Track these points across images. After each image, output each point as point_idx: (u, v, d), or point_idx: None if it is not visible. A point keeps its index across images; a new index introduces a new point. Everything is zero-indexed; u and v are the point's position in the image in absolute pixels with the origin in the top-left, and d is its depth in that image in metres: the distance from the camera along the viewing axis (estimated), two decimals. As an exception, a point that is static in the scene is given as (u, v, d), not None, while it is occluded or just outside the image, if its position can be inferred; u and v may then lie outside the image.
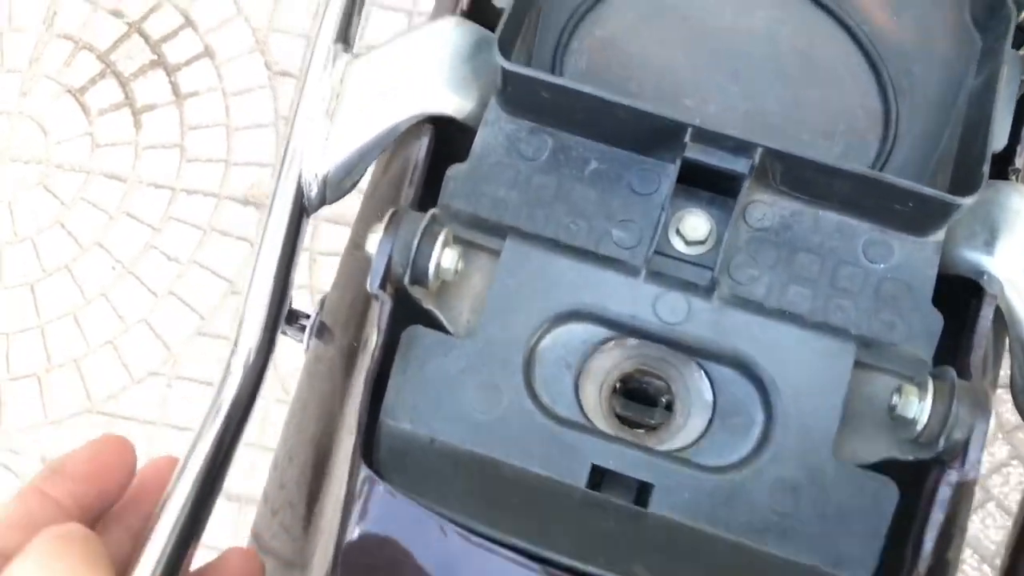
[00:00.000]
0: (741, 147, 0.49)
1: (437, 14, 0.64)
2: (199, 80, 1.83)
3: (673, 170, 0.51)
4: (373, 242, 0.47)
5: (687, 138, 0.49)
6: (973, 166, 0.49)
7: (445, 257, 0.47)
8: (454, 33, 0.56)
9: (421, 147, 0.52)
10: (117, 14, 1.88)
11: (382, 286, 0.47)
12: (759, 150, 0.49)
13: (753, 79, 0.56)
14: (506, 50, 0.51)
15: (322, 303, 0.64)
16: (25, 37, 1.87)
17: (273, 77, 1.83)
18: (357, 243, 0.63)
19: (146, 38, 1.86)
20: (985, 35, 0.55)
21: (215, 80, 1.83)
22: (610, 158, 0.53)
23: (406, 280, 0.47)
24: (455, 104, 0.55)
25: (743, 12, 0.56)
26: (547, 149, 0.53)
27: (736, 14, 0.56)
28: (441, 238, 0.47)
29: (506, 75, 0.50)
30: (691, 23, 0.57)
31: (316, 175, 0.54)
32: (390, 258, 0.47)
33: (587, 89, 0.50)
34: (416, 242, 0.47)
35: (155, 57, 1.85)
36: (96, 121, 1.82)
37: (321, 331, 0.61)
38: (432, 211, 0.49)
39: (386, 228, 0.47)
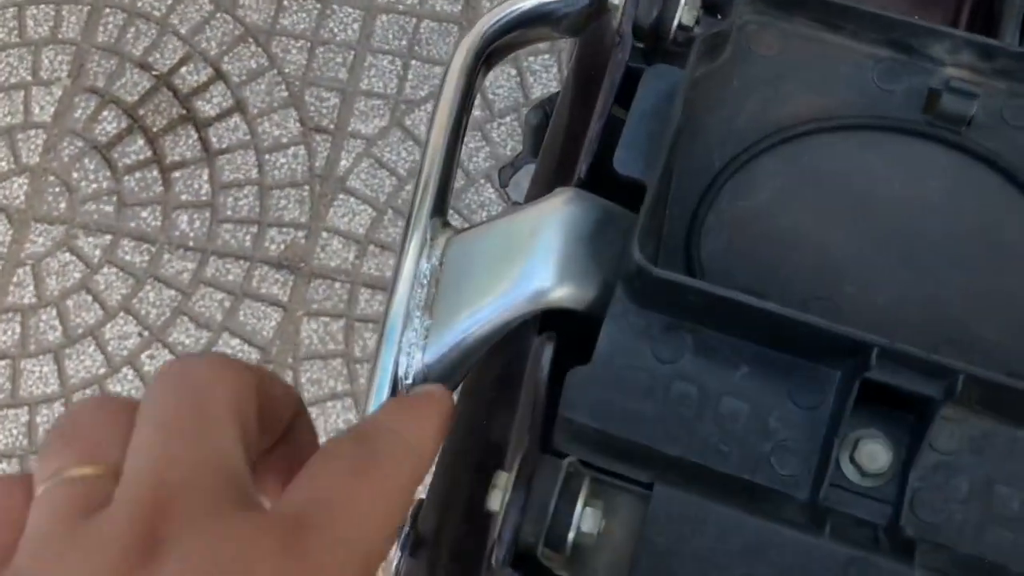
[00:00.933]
0: (938, 370, 0.41)
1: (542, 182, 0.56)
2: (230, 136, 1.76)
3: (847, 386, 0.42)
4: (496, 499, 0.39)
5: (872, 359, 0.41)
6: None
7: (587, 519, 0.39)
8: (571, 210, 0.47)
9: (542, 367, 0.44)
10: (145, 67, 1.81)
11: (508, 561, 0.38)
12: (960, 377, 0.40)
13: (928, 262, 0.47)
14: (646, 246, 0.43)
15: (416, 513, 0.56)
16: (50, 90, 1.80)
17: (307, 133, 1.75)
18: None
19: (175, 91, 1.79)
20: None
21: (247, 136, 1.75)
22: (765, 361, 0.44)
23: (538, 549, 0.39)
24: (574, 295, 0.46)
25: (914, 181, 0.48)
26: (687, 349, 0.45)
27: (905, 184, 0.48)
28: (583, 495, 0.39)
29: (643, 275, 0.42)
30: (851, 193, 0.48)
31: (414, 379, 0.46)
32: (519, 525, 0.38)
33: (746, 300, 0.42)
34: (553, 503, 0.38)
35: (184, 111, 1.78)
36: (123, 179, 1.74)
37: (416, 546, 0.53)
38: (569, 460, 0.40)
39: (514, 485, 0.39)
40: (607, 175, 0.48)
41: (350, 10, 1.82)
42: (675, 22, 0.49)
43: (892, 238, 0.47)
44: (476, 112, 1.74)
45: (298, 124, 1.76)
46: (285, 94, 1.78)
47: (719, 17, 0.51)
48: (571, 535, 0.38)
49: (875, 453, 0.42)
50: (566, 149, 0.56)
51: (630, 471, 0.43)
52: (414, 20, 1.81)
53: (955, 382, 0.40)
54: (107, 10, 1.84)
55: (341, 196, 1.71)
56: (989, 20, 0.51)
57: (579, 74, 0.55)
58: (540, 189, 0.56)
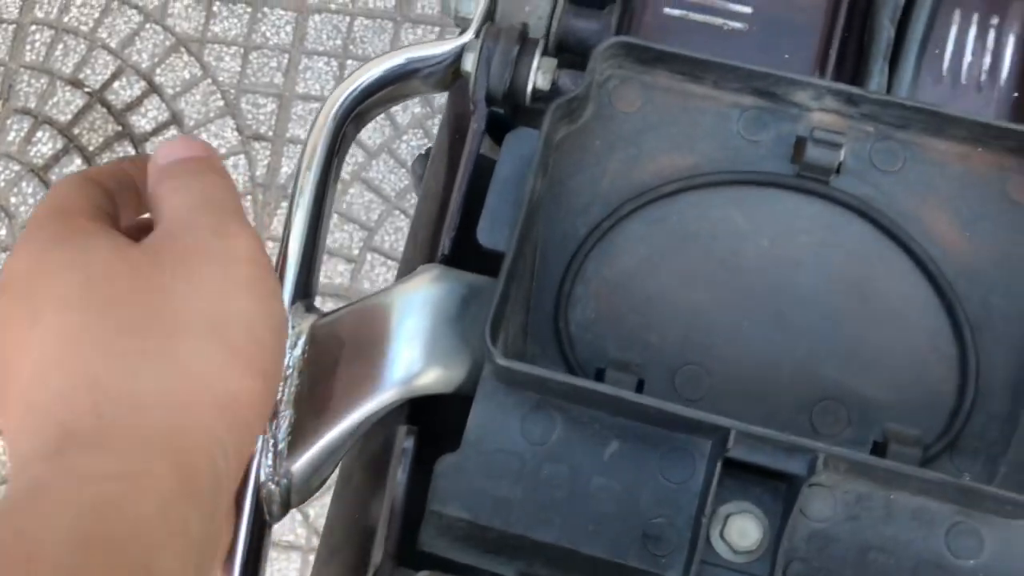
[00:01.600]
0: (797, 448, 0.40)
1: (410, 259, 0.55)
2: (168, 150, 1.72)
3: (712, 465, 0.42)
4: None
5: (730, 441, 0.40)
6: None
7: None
8: (435, 290, 0.46)
9: (400, 465, 0.43)
10: (77, 84, 1.77)
11: None
12: (820, 457, 0.40)
13: (800, 320, 0.46)
14: (498, 336, 0.42)
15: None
16: (-19, 114, 1.76)
17: (246, 142, 1.72)
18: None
19: (109, 107, 1.76)
20: (1077, 252, 0.45)
21: (185, 149, 1.72)
22: (635, 435, 0.44)
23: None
24: (443, 379, 0.45)
25: (783, 236, 0.47)
26: (557, 428, 0.44)
27: (775, 239, 0.47)
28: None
29: (498, 366, 0.41)
30: (720, 253, 0.47)
31: (278, 481, 0.45)
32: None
33: (602, 388, 0.41)
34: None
35: (120, 128, 1.74)
36: (63, 201, 1.71)
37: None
38: (423, 574, 0.39)
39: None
40: (475, 244, 0.47)
41: (282, 12, 1.78)
42: (529, 87, 0.47)
43: (763, 297, 0.46)
44: (417, 108, 1.72)
45: (236, 133, 1.73)
46: (221, 103, 1.75)
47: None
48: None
49: (745, 530, 0.42)
50: (437, 217, 0.55)
51: (498, 565, 0.42)
52: (347, 19, 1.77)
53: (816, 459, 0.40)
54: (33, 27, 1.80)
55: (284, 204, 1.69)
56: (858, 56, 0.50)
57: (450, 131, 0.53)
58: (412, 260, 0.55)
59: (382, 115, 1.69)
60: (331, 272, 1.65)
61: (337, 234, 1.67)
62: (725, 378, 0.46)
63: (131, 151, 1.73)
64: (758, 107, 0.48)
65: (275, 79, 1.75)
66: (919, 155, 0.47)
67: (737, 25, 0.51)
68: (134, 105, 1.75)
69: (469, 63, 0.47)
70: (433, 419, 0.46)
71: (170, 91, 1.76)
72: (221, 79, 1.75)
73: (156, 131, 1.74)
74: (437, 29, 1.75)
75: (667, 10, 0.51)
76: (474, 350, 0.46)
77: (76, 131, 1.75)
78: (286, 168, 1.71)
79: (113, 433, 0.31)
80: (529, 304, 0.47)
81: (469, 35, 0.52)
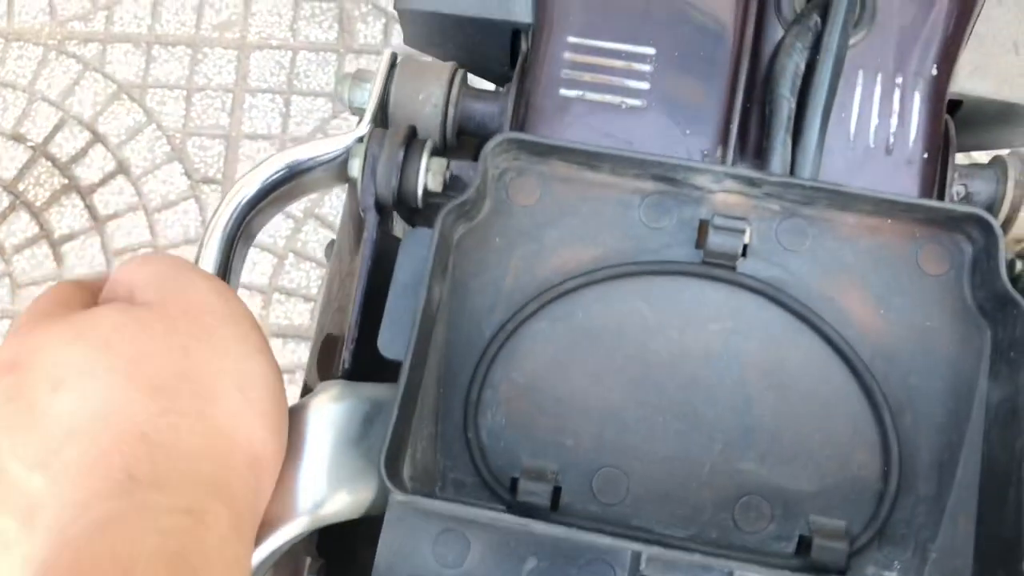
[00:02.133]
0: (711, 567, 0.38)
1: (317, 362, 0.53)
2: (117, 200, 1.70)
3: (630, 579, 0.40)
4: None
5: (642, 565, 0.38)
6: (1004, 550, 0.38)
7: None
8: (336, 410, 0.44)
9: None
10: (19, 138, 1.74)
11: None
12: (735, 573, 0.38)
13: (716, 413, 0.44)
14: (399, 465, 0.40)
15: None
16: (-77, 177, 1.73)
17: (195, 186, 1.70)
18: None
19: (54, 161, 1.73)
20: (994, 325, 0.44)
21: (134, 197, 1.70)
22: (552, 550, 0.42)
23: None
24: (351, 504, 0.43)
25: (692, 328, 0.45)
26: (471, 550, 0.42)
27: (684, 330, 0.45)
28: None
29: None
30: (629, 348, 0.45)
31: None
32: None
33: (506, 521, 0.39)
34: None
35: (66, 180, 1.72)
36: (13, 259, 1.68)
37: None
38: None
39: None
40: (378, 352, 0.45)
41: (222, 51, 1.75)
42: (419, 191, 0.45)
43: (676, 392, 0.45)
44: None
45: (185, 178, 1.70)
46: (167, 148, 1.72)
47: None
48: None
49: (668, 645, 0.40)
50: (336, 321, 0.53)
51: None
52: (289, 53, 1.75)
53: (731, 574, 0.38)
54: (-30, 84, 1.76)
55: (239, 247, 1.66)
56: (762, 126, 0.49)
57: (353, 223, 0.51)
58: (317, 366, 0.53)
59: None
60: (290, 312, 1.63)
61: (294, 273, 1.65)
62: (644, 479, 0.44)
63: (79, 203, 1.70)
64: (659, 192, 0.46)
65: (220, 120, 1.73)
66: (827, 231, 0.46)
67: (635, 102, 0.49)
68: (79, 156, 1.73)
69: (355, 169, 0.45)
70: (342, 545, 0.45)
71: (115, 139, 1.73)
72: (165, 124, 1.73)
73: (103, 181, 1.71)
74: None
75: (563, 91, 0.50)
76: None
77: (21, 187, 1.72)
78: (238, 210, 1.68)
79: (171, 477, 0.34)
80: (438, 413, 0.45)
81: (363, 128, 0.50)
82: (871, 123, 0.49)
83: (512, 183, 0.47)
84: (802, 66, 0.47)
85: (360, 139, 0.49)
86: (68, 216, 1.70)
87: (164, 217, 1.69)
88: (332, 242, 0.65)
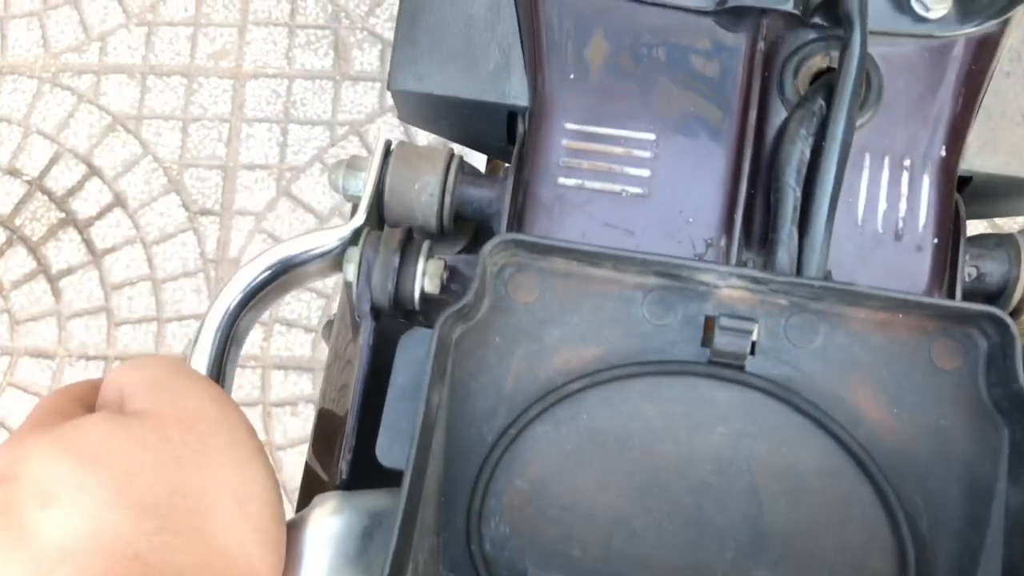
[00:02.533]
0: None
1: (311, 454, 0.52)
2: (114, 233, 1.69)
3: None
4: None
5: None
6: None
7: None
8: (334, 526, 0.43)
9: None
10: (15, 173, 1.73)
11: None
12: None
13: (726, 521, 0.43)
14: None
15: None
16: (-81, 213, 1.72)
17: (193, 217, 1.69)
18: None
19: (50, 195, 1.72)
20: (1011, 424, 0.42)
21: (132, 230, 1.69)
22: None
23: None
24: (349, 621, 0.42)
25: (700, 430, 0.44)
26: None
27: (691, 434, 0.44)
28: None
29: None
30: (634, 454, 0.44)
31: None
32: None
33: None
34: None
35: (63, 214, 1.70)
36: (11, 295, 1.67)
37: None
38: None
39: None
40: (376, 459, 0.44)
41: (218, 81, 1.74)
42: (416, 294, 0.44)
43: (684, 498, 0.43)
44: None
45: (182, 210, 1.69)
46: (164, 180, 1.71)
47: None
48: None
49: None
50: (338, 400, 0.51)
51: None
52: (286, 82, 1.74)
53: None
54: (-36, 119, 1.75)
55: (238, 279, 1.65)
56: (767, 213, 0.47)
57: (349, 311, 0.50)
58: (313, 447, 0.52)
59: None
60: (291, 343, 1.62)
61: (294, 304, 1.64)
62: (652, 589, 0.43)
63: (76, 237, 1.69)
64: (662, 287, 0.45)
65: (217, 150, 1.72)
66: (837, 327, 0.44)
67: (636, 190, 0.48)
68: (75, 190, 1.71)
69: (350, 274, 0.44)
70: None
71: (111, 172, 1.72)
72: (162, 155, 1.72)
73: (100, 214, 1.70)
74: (377, 85, 1.72)
75: (562, 180, 0.48)
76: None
77: (18, 222, 1.71)
78: (236, 241, 1.67)
79: None
80: (439, 523, 0.44)
81: (358, 219, 0.49)
82: (879, 208, 0.48)
83: (511, 280, 0.46)
84: (807, 153, 0.46)
85: (356, 231, 0.48)
86: (65, 250, 1.69)
87: (162, 250, 1.68)
88: (330, 322, 0.63)
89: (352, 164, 0.51)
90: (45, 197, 1.72)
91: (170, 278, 1.66)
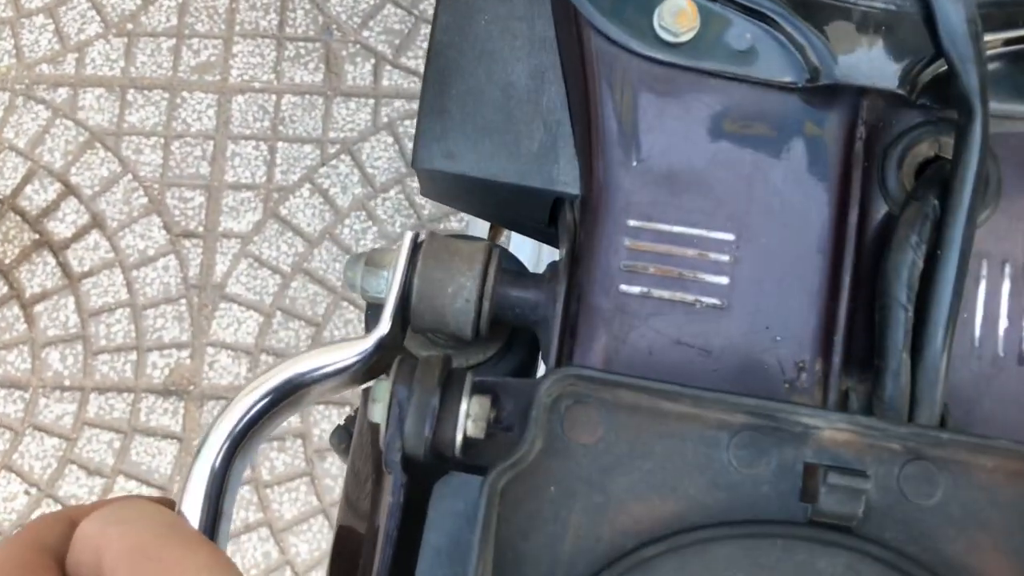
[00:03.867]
0: None
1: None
2: (92, 256, 1.60)
3: None
4: None
5: None
6: None
7: None
8: None
9: None
10: (-15, 191, 1.64)
11: None
12: None
13: None
14: None
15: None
16: None
17: (175, 240, 1.60)
18: None
19: (23, 215, 1.62)
20: None
21: (110, 253, 1.60)
22: None
23: None
24: None
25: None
26: None
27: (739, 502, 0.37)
28: None
29: None
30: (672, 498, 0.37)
31: None
32: None
33: None
34: None
35: (37, 236, 1.61)
36: (-19, 321, 1.59)
37: None
38: None
39: None
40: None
41: (202, 95, 1.66)
42: (458, 440, 0.36)
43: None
44: (358, 189, 1.60)
45: (164, 232, 1.61)
46: (144, 200, 1.62)
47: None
48: None
49: None
50: (355, 523, 0.44)
51: None
52: (273, 97, 1.65)
53: None
54: (-68, 133, 1.66)
55: (223, 305, 1.57)
56: (869, 329, 0.40)
57: (369, 448, 0.43)
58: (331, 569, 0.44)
59: (320, 199, 1.58)
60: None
61: (282, 333, 1.56)
62: None
63: (51, 260, 1.61)
64: (752, 427, 0.37)
65: (201, 168, 1.63)
66: (961, 479, 0.37)
67: (712, 301, 0.41)
68: (50, 209, 1.63)
69: (377, 415, 0.36)
70: None
71: (88, 191, 1.63)
72: (142, 174, 1.63)
73: (77, 236, 1.61)
74: (371, 101, 1.64)
75: (624, 287, 0.41)
76: None
77: (-11, 244, 1.62)
78: (221, 265, 1.59)
79: None
80: None
81: (383, 327, 0.41)
82: (999, 326, 0.40)
83: (568, 415, 0.38)
84: (920, 263, 0.39)
85: (380, 343, 0.40)
86: (40, 274, 1.60)
87: (142, 274, 1.59)
88: (338, 428, 0.56)
89: (372, 261, 0.43)
90: (18, 217, 1.62)
91: (151, 304, 1.58)
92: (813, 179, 0.41)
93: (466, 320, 0.42)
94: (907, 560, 0.36)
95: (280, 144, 1.63)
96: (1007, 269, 0.41)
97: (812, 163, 0.41)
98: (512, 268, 0.45)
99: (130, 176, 1.63)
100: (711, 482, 0.38)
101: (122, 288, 1.58)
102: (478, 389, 0.37)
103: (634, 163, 0.42)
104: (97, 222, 1.62)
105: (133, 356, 1.56)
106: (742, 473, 0.38)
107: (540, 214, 0.47)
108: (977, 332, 0.41)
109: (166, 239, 1.60)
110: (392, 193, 1.60)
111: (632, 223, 0.41)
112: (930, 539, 0.37)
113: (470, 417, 0.36)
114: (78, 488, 1.52)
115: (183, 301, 1.58)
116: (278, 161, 1.62)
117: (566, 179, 0.44)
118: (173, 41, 1.67)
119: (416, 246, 0.43)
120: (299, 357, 0.42)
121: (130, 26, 1.67)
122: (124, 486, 1.52)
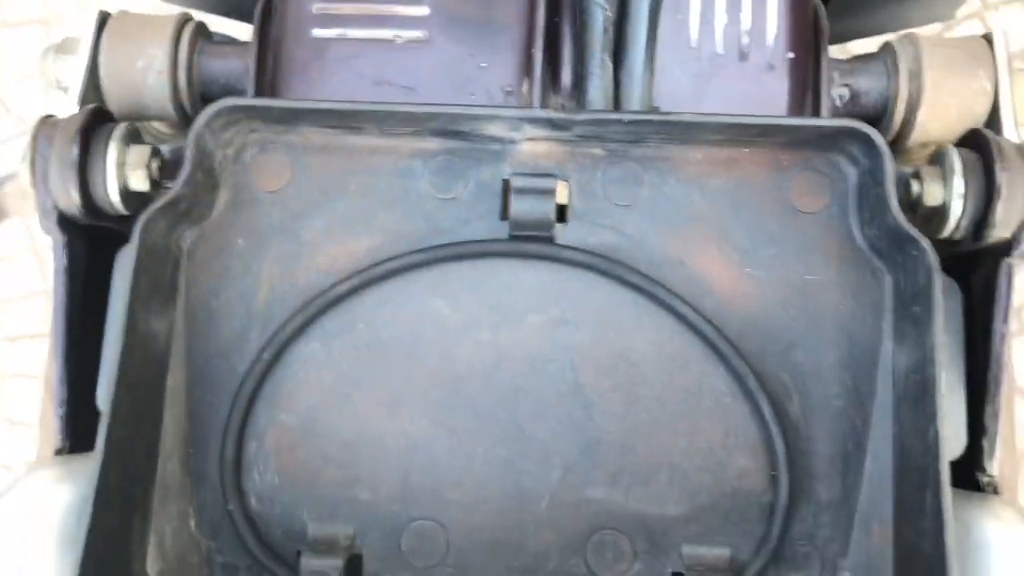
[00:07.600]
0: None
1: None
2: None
3: None
4: None
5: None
6: (926, 570, 0.28)
7: None
8: (45, 498, 0.33)
9: None
10: None
11: None
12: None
13: (549, 432, 0.34)
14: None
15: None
16: None
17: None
18: None
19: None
20: (893, 269, 0.33)
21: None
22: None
23: None
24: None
25: (507, 323, 0.35)
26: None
27: (497, 330, 0.35)
28: None
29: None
30: (428, 362, 0.35)
31: None
32: None
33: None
34: None
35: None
36: None
37: None
38: None
39: None
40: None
41: None
42: (114, 195, 0.34)
43: (495, 411, 0.34)
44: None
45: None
46: None
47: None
48: None
49: None
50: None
51: None
52: None
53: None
54: None
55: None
56: (577, 50, 0.37)
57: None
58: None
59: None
60: None
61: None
62: (467, 528, 0.34)
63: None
64: (447, 151, 0.35)
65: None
66: (668, 174, 0.35)
67: (414, 34, 0.38)
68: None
69: (25, 178, 0.34)
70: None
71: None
72: None
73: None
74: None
75: (317, 31, 0.38)
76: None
77: None
78: None
79: None
80: (188, 483, 0.34)
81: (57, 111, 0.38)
82: (716, 23, 0.38)
83: (254, 164, 0.36)
84: (616, -40, 0.36)
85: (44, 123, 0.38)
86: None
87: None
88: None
89: (63, 47, 0.40)
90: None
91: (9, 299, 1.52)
92: None
93: (163, 96, 0.39)
94: (613, 263, 0.34)
95: None
96: (720, -38, 0.38)
97: None
98: (217, 40, 0.42)
99: None
100: (408, 213, 0.35)
101: None
102: (133, 138, 0.34)
103: None
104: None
105: None
106: (439, 199, 0.35)
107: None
108: (695, 33, 0.38)
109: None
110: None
111: (319, -38, 0.38)
112: (639, 240, 0.35)
113: (126, 166, 0.34)
114: None
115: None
116: None
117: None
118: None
119: (103, 25, 0.40)
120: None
121: None
122: None
